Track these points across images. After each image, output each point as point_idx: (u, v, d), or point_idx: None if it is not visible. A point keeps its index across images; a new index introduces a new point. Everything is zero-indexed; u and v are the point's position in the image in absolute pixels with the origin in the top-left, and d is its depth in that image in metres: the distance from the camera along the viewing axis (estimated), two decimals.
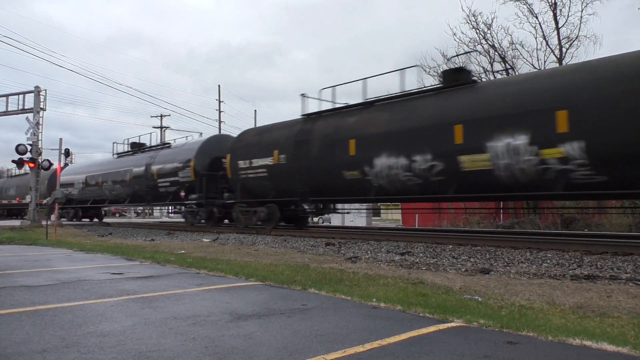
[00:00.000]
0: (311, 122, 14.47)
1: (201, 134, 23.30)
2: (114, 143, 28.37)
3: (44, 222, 19.78)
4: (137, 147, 25.28)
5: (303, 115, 15.16)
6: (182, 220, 24.58)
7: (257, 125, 20.29)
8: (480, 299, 5.06)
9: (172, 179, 20.24)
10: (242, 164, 16.10)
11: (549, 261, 7.93)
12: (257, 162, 15.50)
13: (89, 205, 28.23)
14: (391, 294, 5.26)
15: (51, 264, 8.34)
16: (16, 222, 24.51)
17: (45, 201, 27.33)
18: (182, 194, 19.36)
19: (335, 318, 4.06)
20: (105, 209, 36.29)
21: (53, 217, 20.02)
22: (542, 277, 6.74)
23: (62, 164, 25.31)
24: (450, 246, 9.89)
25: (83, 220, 30.16)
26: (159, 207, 52.39)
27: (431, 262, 8.53)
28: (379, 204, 21.60)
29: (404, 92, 12.59)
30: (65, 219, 28.77)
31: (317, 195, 14.01)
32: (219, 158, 18.61)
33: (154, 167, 21.36)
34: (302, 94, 15.27)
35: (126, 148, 26.03)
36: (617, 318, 4.22)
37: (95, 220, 31.33)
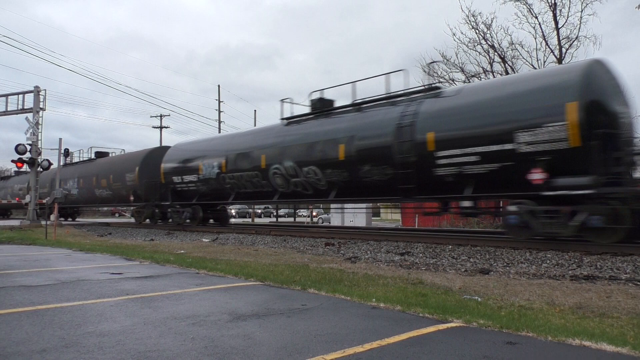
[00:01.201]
0: None
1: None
2: (281, 101, 15.77)
3: (43, 222, 19.66)
4: (326, 107, 15.03)
5: None
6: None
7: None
8: (479, 299, 5.06)
9: (486, 149, 10.09)
10: None
11: (548, 261, 7.94)
12: None
13: (231, 201, 18.39)
14: (391, 294, 5.26)
15: (50, 263, 8.34)
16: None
17: (131, 198, 22.85)
18: (539, 176, 9.39)
19: (335, 318, 4.06)
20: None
21: (52, 217, 19.95)
22: (541, 278, 6.74)
23: (61, 163, 25.28)
24: (450, 246, 9.89)
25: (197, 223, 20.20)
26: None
27: (431, 263, 8.53)
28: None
29: None
30: (171, 221, 20.76)
31: None
32: (600, 104, 9.36)
33: (422, 135, 11.19)
34: None
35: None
36: (617, 318, 4.22)
37: (211, 221, 21.32)
